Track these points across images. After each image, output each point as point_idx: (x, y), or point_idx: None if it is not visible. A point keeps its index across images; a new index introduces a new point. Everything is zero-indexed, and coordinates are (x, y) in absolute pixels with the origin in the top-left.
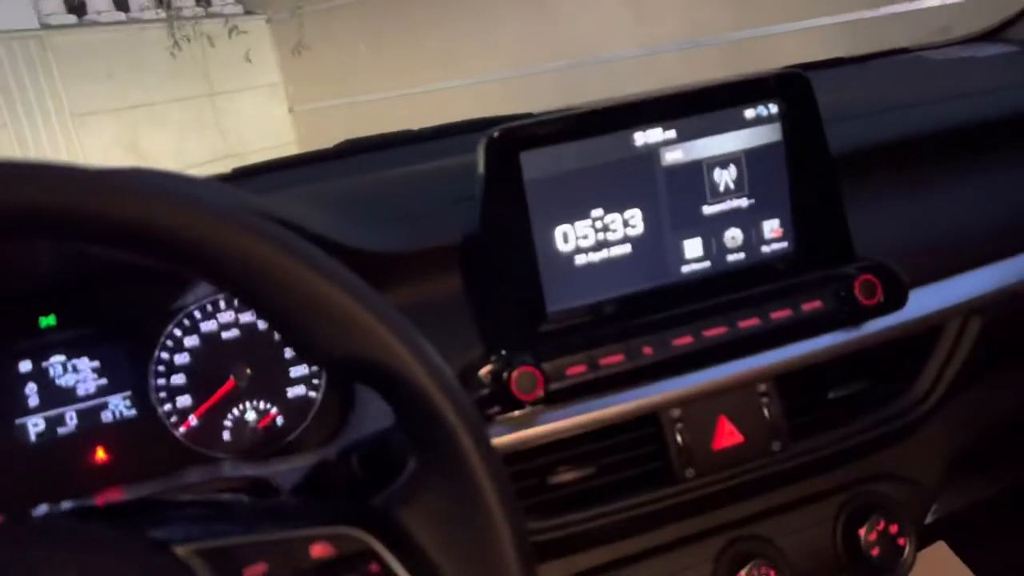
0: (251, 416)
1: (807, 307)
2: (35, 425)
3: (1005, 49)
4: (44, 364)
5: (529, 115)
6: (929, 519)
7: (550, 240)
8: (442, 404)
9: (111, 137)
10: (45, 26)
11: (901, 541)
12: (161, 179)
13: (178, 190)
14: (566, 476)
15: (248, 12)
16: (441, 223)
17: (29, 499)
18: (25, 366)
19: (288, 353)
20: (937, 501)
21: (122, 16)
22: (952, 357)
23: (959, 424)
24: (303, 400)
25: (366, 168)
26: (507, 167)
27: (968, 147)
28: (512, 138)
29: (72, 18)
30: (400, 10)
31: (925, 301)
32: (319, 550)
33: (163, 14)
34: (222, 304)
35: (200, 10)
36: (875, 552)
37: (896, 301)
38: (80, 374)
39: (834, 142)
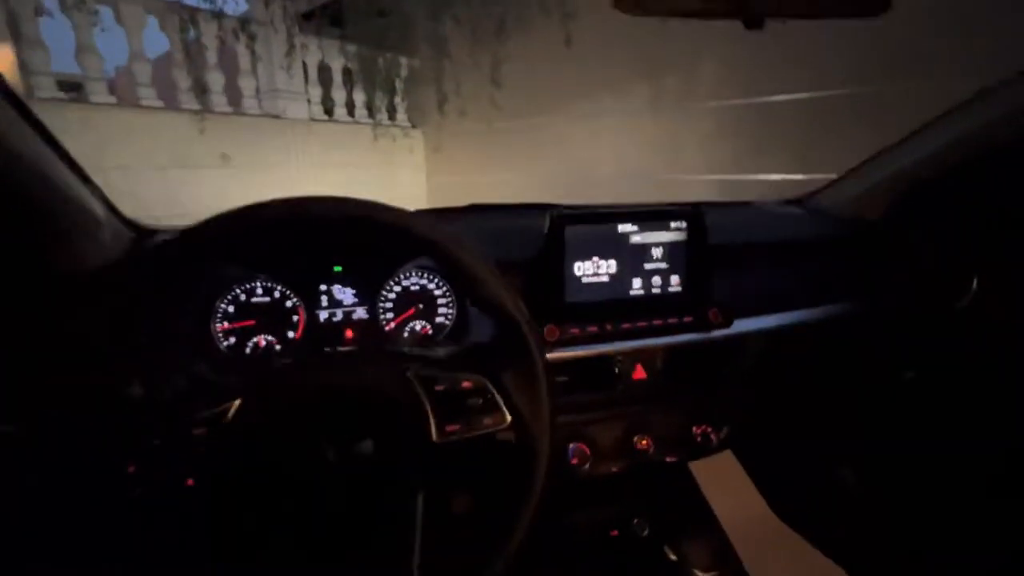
0: (417, 326)
1: (686, 319)
2: (324, 314)
3: (798, 210)
4: (331, 287)
5: (569, 205)
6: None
7: (571, 268)
8: (524, 326)
9: (335, 178)
10: (313, 119)
11: (712, 437)
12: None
13: (427, 222)
14: (561, 378)
15: (413, 125)
16: (522, 251)
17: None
18: (323, 288)
19: (440, 300)
20: (729, 425)
21: (349, 118)
22: (750, 352)
23: (751, 388)
24: (444, 323)
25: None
26: (558, 231)
27: (769, 256)
28: (562, 216)
29: (326, 117)
30: (493, 136)
31: (741, 325)
32: (466, 383)
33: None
34: (413, 273)
35: (389, 121)
36: (699, 439)
37: (727, 323)
38: (346, 294)
39: (712, 238)
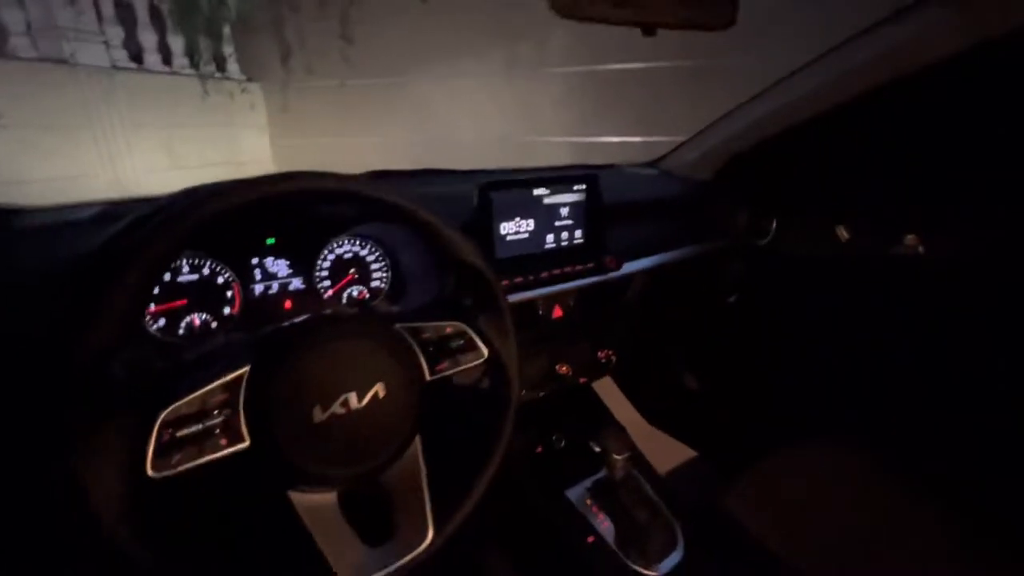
0: (355, 292)
1: (589, 265)
2: (259, 288)
3: (653, 171)
4: (264, 260)
5: (483, 170)
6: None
7: (499, 228)
8: (495, 282)
9: (155, 143)
10: (116, 66)
11: (613, 358)
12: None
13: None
14: None
15: (249, 79)
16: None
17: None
18: (255, 261)
19: (374, 265)
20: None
21: (165, 67)
22: (635, 288)
23: (637, 316)
24: (380, 287)
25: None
26: (486, 196)
27: (640, 211)
28: (489, 184)
29: (133, 65)
30: (346, 95)
31: (628, 267)
32: (448, 329)
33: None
34: (347, 241)
35: (219, 73)
36: (603, 360)
37: (619, 266)
38: (280, 266)
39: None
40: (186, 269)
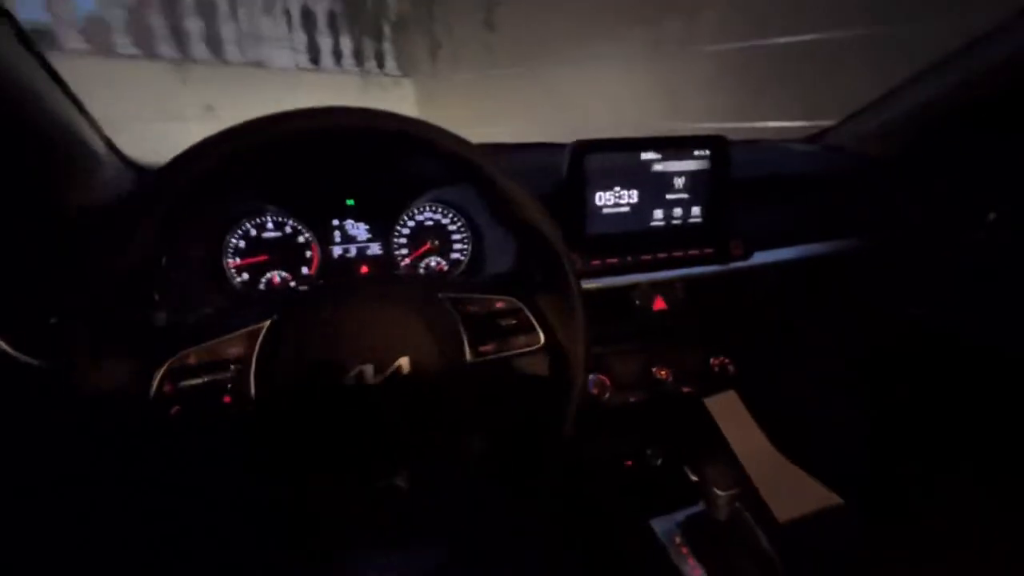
0: (432, 263)
1: (707, 251)
2: (338, 250)
3: (814, 147)
4: (344, 222)
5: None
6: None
7: (593, 199)
8: (560, 249)
9: None
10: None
11: (730, 369)
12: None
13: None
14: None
15: (403, 74)
16: (544, 185)
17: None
18: (336, 223)
19: (455, 236)
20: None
21: (336, 67)
22: (767, 285)
23: (765, 321)
24: (460, 259)
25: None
26: (578, 160)
27: (786, 190)
28: (583, 144)
29: (312, 66)
30: (487, 85)
31: (760, 258)
32: (499, 304)
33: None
34: (428, 208)
35: (379, 69)
36: (716, 370)
37: (747, 254)
38: (359, 229)
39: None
40: (270, 226)
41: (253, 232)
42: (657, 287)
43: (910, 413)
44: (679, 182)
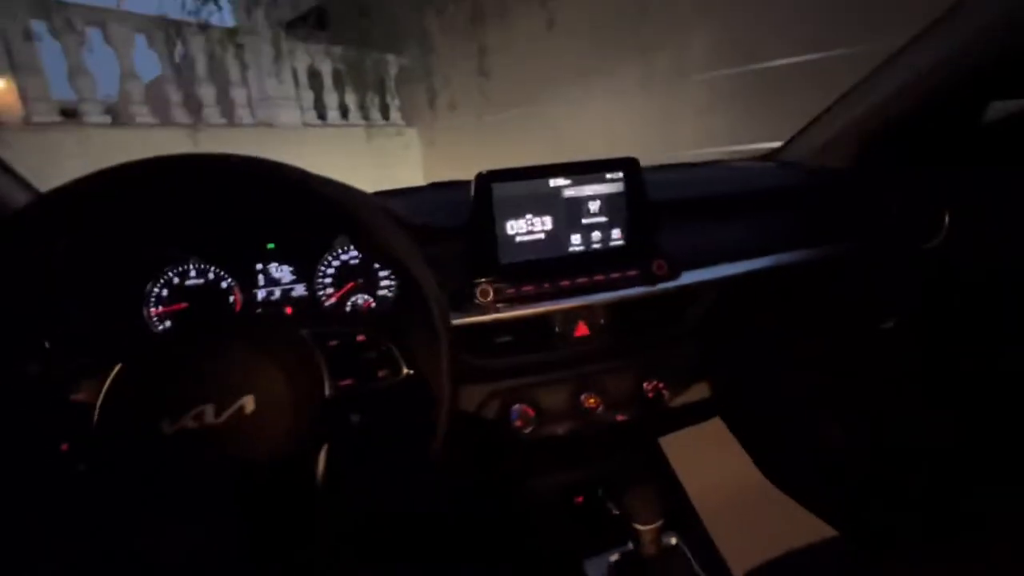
0: (360, 300)
1: (628, 273)
2: (261, 293)
3: (769, 164)
4: (267, 266)
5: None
6: (698, 397)
7: (504, 228)
8: (423, 281)
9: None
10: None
11: (665, 394)
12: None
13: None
14: (502, 339)
15: (407, 124)
16: (459, 217)
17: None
18: (259, 267)
19: (382, 272)
20: (693, 385)
21: (343, 121)
22: (699, 306)
23: (701, 339)
24: (387, 296)
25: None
26: (485, 190)
27: (727, 209)
28: (488, 174)
29: (319, 122)
30: (484, 127)
31: (689, 277)
32: (360, 337)
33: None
34: (351, 247)
35: (384, 120)
36: (650, 395)
37: (674, 275)
38: (283, 272)
39: (660, 195)
40: (193, 273)
41: (176, 280)
42: (578, 312)
43: (898, 433)
44: (594, 206)
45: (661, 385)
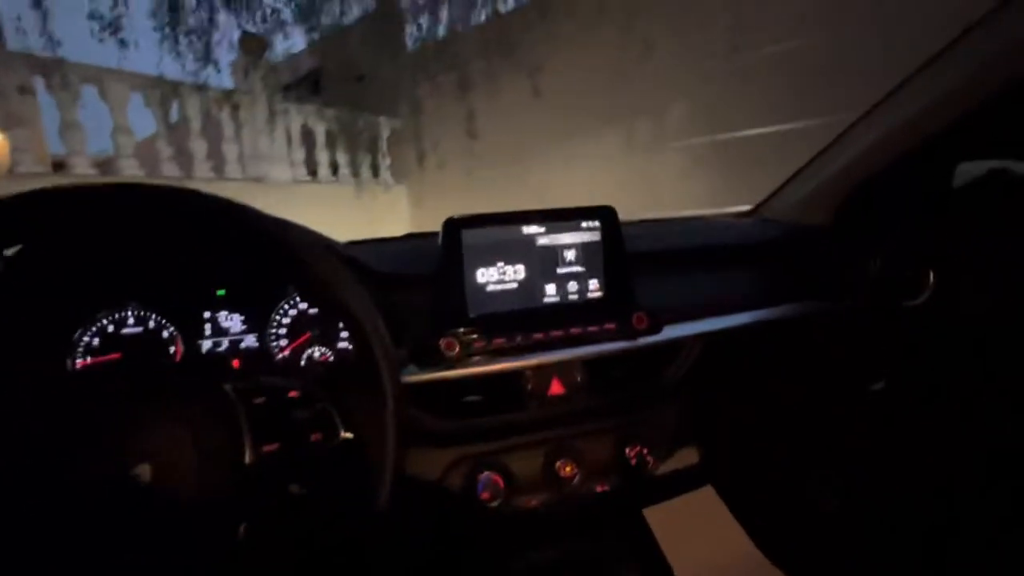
0: (316, 354)
1: (607, 326)
2: (207, 344)
3: (748, 220)
4: (216, 314)
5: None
6: (686, 463)
7: (473, 276)
8: (369, 329)
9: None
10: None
11: (649, 460)
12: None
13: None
14: (469, 398)
15: (398, 182)
16: (427, 264)
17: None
18: (207, 315)
19: (341, 324)
20: (679, 450)
21: (333, 178)
22: (683, 362)
23: (685, 399)
24: (346, 348)
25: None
26: (454, 236)
27: (707, 262)
28: (458, 219)
29: (309, 178)
30: (472, 185)
31: (671, 331)
32: (292, 393)
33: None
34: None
35: (374, 179)
36: (633, 462)
37: (655, 329)
38: (233, 321)
39: (642, 246)
40: (131, 322)
41: (110, 328)
42: (552, 369)
43: (897, 502)
44: (570, 255)
45: (644, 450)
